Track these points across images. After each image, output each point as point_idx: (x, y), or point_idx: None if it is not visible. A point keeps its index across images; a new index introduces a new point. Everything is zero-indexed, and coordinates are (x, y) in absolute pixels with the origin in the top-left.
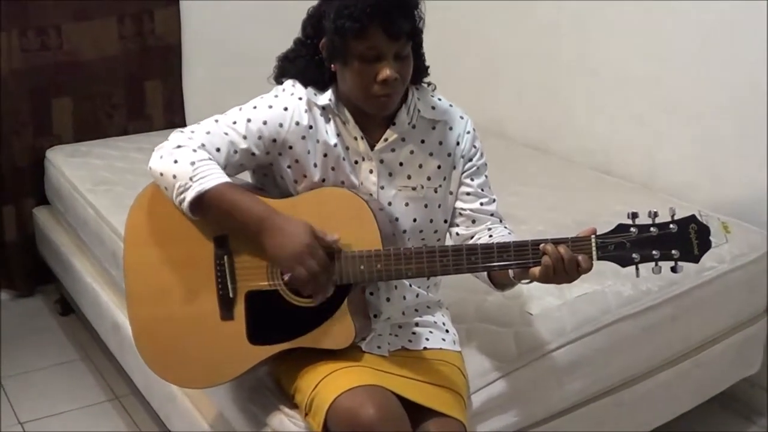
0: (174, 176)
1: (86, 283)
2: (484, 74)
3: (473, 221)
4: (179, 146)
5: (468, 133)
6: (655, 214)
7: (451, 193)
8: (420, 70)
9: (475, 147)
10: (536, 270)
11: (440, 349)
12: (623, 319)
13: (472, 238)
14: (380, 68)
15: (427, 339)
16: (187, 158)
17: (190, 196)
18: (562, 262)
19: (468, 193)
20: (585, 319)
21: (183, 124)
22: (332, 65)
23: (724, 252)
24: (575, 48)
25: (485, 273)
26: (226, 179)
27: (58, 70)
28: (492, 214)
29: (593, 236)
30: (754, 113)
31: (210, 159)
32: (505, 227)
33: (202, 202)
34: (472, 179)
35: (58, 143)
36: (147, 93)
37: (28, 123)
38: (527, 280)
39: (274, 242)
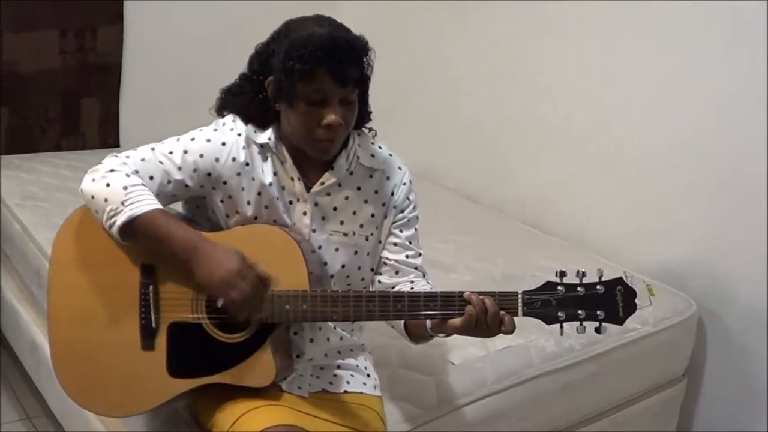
0: (105, 200)
1: (6, 299)
2: (424, 120)
3: (397, 272)
4: (112, 170)
5: (404, 184)
6: (583, 274)
7: (380, 242)
8: (363, 116)
9: (408, 199)
10: (457, 321)
11: (361, 392)
12: (545, 374)
13: (393, 288)
14: (325, 113)
15: (348, 382)
16: (120, 182)
17: (120, 220)
18: (486, 314)
19: (395, 244)
20: (507, 372)
21: (117, 145)
22: (277, 104)
23: (648, 314)
24: (518, 102)
25: (401, 323)
26: (158, 206)
27: None
28: (416, 268)
29: (520, 292)
30: (686, 179)
31: (143, 185)
32: (428, 282)
33: (132, 228)
34: (401, 230)
35: None
36: (83, 110)
37: None
38: (444, 334)
39: (204, 270)
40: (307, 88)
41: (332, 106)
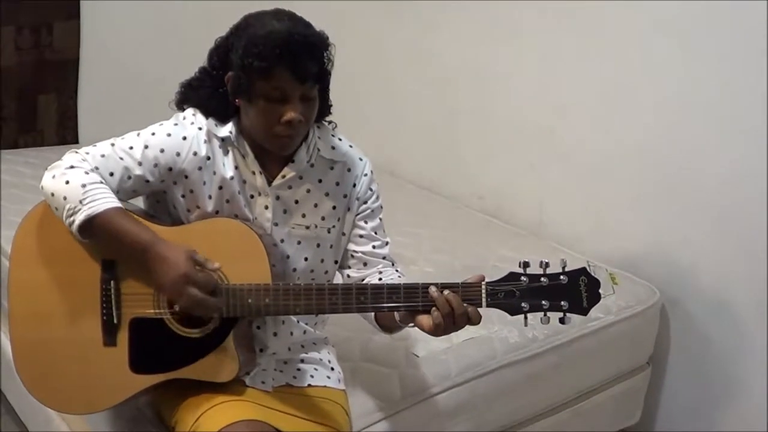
0: (64, 197)
1: None
2: (382, 114)
3: (365, 264)
4: (72, 167)
5: (365, 175)
6: (546, 265)
7: (344, 234)
8: (323, 109)
9: (371, 190)
10: (424, 323)
11: (324, 386)
12: (508, 365)
13: (362, 281)
14: (285, 110)
15: (312, 376)
16: (79, 180)
17: (78, 219)
18: (452, 317)
19: (361, 236)
20: (470, 364)
21: (75, 141)
22: (236, 100)
23: (611, 303)
24: (472, 95)
25: (372, 314)
26: (117, 204)
27: None
28: (384, 258)
29: (483, 283)
30: (644, 170)
31: (102, 183)
32: (397, 270)
33: (90, 226)
34: (365, 222)
35: None
36: (40, 107)
37: None
38: (413, 325)
39: (158, 271)
40: (266, 85)
41: (292, 103)
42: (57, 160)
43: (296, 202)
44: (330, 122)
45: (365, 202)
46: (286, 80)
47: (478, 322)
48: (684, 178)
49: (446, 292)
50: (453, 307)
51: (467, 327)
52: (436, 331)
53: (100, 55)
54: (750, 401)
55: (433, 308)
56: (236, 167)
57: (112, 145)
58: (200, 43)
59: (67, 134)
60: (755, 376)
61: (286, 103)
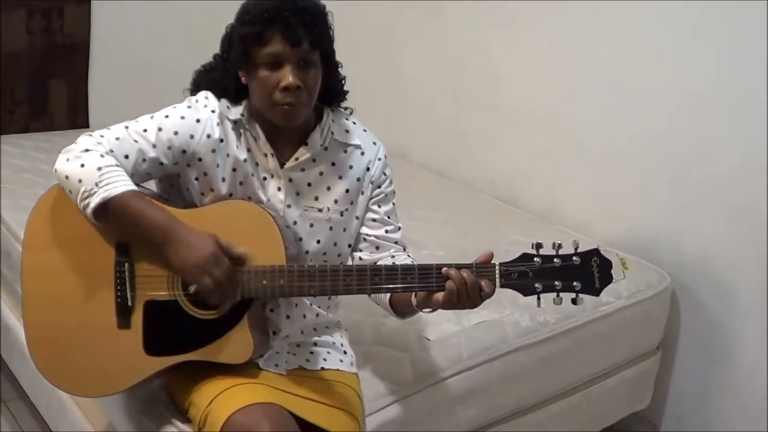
0: (79, 180)
1: None
2: (392, 98)
3: (377, 248)
4: (87, 150)
5: (379, 159)
6: (559, 246)
7: (357, 217)
8: (336, 92)
9: (385, 174)
10: (440, 296)
11: (337, 369)
12: (519, 349)
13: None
14: (282, 75)
15: (325, 359)
16: (95, 163)
17: (94, 202)
18: (466, 287)
19: (374, 220)
20: (482, 348)
21: (86, 126)
22: (242, 78)
23: (622, 288)
24: (482, 81)
25: (386, 299)
26: (133, 187)
27: None
28: (396, 242)
29: (497, 263)
30: (654, 154)
31: (117, 166)
32: (409, 256)
33: (106, 209)
34: (379, 206)
35: None
36: (51, 91)
37: None
38: (429, 309)
39: (178, 253)
40: (260, 52)
41: (288, 67)
42: (68, 144)
43: (309, 184)
44: (346, 108)
45: (379, 186)
46: (278, 43)
47: (492, 293)
48: (694, 165)
49: (461, 270)
50: (466, 279)
51: (478, 310)
52: (450, 299)
53: (110, 39)
54: (758, 386)
55: (448, 281)
56: (249, 149)
57: (126, 128)
58: (210, 27)
59: (77, 118)
60: (763, 361)
61: (282, 69)
